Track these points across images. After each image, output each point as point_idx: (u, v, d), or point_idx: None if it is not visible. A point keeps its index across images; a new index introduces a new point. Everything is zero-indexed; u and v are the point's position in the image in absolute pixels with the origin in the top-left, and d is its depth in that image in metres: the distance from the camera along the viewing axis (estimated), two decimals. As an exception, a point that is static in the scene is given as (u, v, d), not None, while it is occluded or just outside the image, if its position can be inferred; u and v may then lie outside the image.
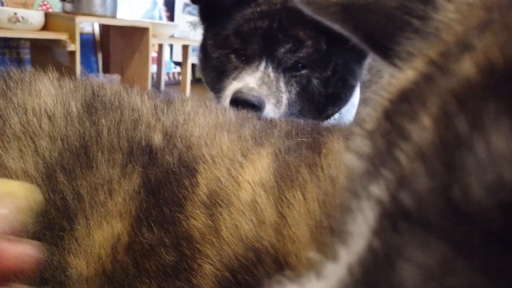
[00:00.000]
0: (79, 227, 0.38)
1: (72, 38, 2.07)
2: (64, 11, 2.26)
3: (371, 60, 0.91)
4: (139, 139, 0.44)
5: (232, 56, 0.82)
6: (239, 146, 0.43)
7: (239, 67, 0.81)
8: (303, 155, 0.38)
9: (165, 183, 0.40)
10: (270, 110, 0.75)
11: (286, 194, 0.34)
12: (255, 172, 0.38)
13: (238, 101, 0.73)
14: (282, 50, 0.77)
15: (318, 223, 0.32)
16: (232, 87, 0.77)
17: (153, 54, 2.95)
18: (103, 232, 0.38)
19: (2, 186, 0.23)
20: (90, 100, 0.48)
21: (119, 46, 2.69)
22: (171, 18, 3.57)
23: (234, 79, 0.80)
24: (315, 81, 0.79)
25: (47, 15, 2.20)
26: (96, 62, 2.82)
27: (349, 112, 0.88)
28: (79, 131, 0.44)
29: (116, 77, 2.53)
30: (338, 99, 0.84)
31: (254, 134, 0.45)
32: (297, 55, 0.77)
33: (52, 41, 2.11)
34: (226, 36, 0.83)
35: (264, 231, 0.34)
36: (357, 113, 0.90)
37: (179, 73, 3.47)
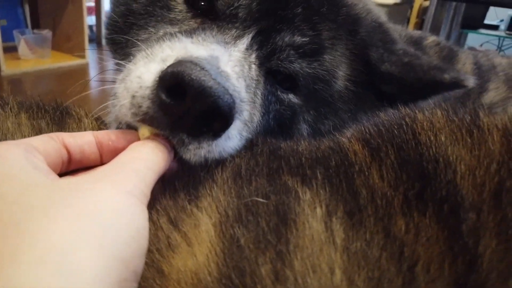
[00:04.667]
0: None
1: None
2: None
3: None
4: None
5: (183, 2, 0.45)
6: (165, 205, 0.30)
7: (193, 22, 0.44)
8: (262, 234, 0.25)
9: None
10: (239, 127, 0.38)
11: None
12: (189, 260, 0.25)
13: (181, 85, 0.31)
14: (287, 40, 0.43)
15: None
16: (176, 50, 0.37)
17: (89, 3, 2.60)
18: None
19: None
20: None
21: (48, -5, 2.32)
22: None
23: (183, 35, 0.40)
24: (303, 125, 0.47)
25: None
26: (23, 15, 2.43)
27: None
28: None
29: (47, 33, 2.19)
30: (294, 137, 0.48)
31: (187, 180, 0.32)
32: (300, 62, 0.44)
33: None
34: None
35: None
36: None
37: (124, 24, 3.11)
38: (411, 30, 0.79)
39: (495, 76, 0.72)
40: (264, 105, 0.44)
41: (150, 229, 0.26)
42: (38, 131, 0.33)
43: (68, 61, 2.21)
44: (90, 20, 2.65)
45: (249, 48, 0.42)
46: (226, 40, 0.41)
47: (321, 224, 0.25)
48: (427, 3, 2.39)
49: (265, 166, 0.34)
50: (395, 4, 2.50)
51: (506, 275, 0.19)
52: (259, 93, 0.43)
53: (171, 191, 0.31)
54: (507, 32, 2.66)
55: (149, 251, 0.26)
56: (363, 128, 0.34)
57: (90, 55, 2.27)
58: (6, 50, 1.97)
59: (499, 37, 2.80)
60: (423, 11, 2.59)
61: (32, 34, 2.17)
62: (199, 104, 0.31)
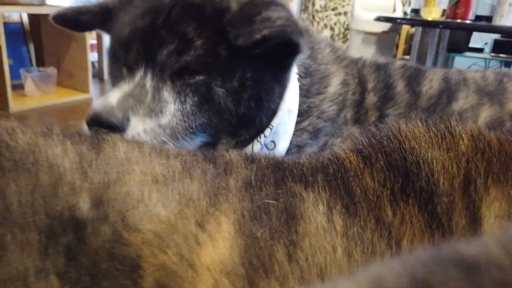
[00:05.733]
0: None
1: (-6, 31, 1.82)
2: None
3: (310, 60, 0.75)
4: (60, 210, 0.34)
5: (124, 69, 0.65)
6: (192, 211, 0.35)
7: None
8: (275, 227, 0.30)
9: (96, 276, 0.31)
10: (141, 123, 0.59)
11: (260, 289, 0.27)
12: (215, 253, 0.30)
13: (91, 125, 0.57)
14: (165, 51, 0.61)
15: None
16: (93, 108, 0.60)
17: (91, 41, 2.71)
18: None
19: None
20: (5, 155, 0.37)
21: (52, 35, 2.43)
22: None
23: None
24: (219, 91, 0.62)
25: None
26: (28, 54, 2.53)
27: (283, 124, 0.70)
28: None
29: (52, 70, 2.28)
30: (251, 123, 0.65)
31: (207, 188, 0.37)
32: (184, 58, 0.60)
33: None
34: (112, 47, 0.68)
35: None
36: (297, 123, 0.73)
37: (124, 60, 3.22)
38: (380, 57, 0.90)
39: (465, 87, 0.81)
40: (178, 95, 0.62)
41: (182, 231, 0.31)
42: (81, 156, 0.38)
43: (73, 96, 2.30)
44: (92, 56, 2.75)
45: (144, 75, 0.62)
46: (128, 81, 0.63)
47: (324, 217, 0.30)
48: (413, 30, 2.51)
49: (271, 176, 0.39)
50: (384, 32, 2.63)
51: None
52: (166, 93, 0.62)
53: (195, 200, 0.36)
54: (492, 54, 2.78)
55: (182, 248, 0.31)
56: (356, 141, 0.40)
57: (93, 90, 2.35)
58: (13, 87, 2.05)
59: (485, 59, 2.92)
60: (410, 37, 2.72)
61: (37, 72, 2.26)
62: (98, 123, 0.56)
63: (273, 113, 0.68)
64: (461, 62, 3.01)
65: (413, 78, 0.81)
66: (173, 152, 0.42)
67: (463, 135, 0.33)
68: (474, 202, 0.26)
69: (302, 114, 0.73)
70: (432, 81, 0.81)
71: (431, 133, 0.35)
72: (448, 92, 0.80)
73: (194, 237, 0.32)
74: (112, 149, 0.42)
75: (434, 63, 2.10)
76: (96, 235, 0.33)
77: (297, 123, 0.73)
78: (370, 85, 0.80)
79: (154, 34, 0.61)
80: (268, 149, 0.69)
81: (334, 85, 0.77)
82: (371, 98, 0.79)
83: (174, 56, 0.60)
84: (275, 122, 0.68)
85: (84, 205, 0.35)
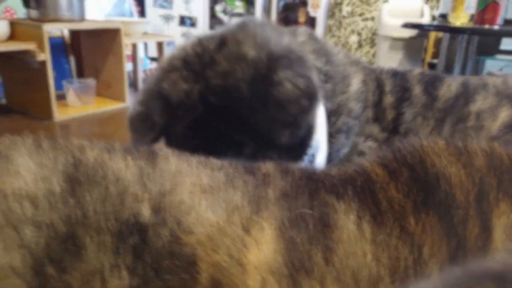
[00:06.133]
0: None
1: (41, 47, 1.96)
2: (30, 18, 2.13)
3: (328, 66, 0.74)
4: (127, 216, 0.40)
5: None
6: (238, 218, 0.40)
7: None
8: (311, 234, 0.35)
9: (160, 271, 0.37)
10: None
11: (302, 286, 0.32)
12: (260, 254, 0.35)
13: None
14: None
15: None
16: None
17: (127, 52, 2.84)
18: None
19: None
20: (72, 173, 0.44)
21: (91, 48, 2.58)
22: (142, 12, 3.43)
23: None
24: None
25: (12, 24, 2.07)
26: (69, 66, 2.70)
27: (319, 142, 0.71)
28: (64, 213, 0.40)
29: (91, 82, 2.42)
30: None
31: (249, 197, 0.42)
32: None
33: (20, 51, 1.99)
34: None
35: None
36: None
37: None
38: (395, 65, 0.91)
39: (484, 90, 0.81)
40: None
41: (231, 235, 0.37)
42: (140, 170, 0.44)
43: (110, 105, 2.42)
44: (127, 66, 2.89)
45: None
46: None
47: (354, 226, 0.35)
48: (441, 34, 2.49)
49: (306, 187, 0.44)
50: (411, 38, 2.61)
51: (484, 251, 0.29)
52: None
53: (239, 207, 0.42)
54: (525, 56, 2.71)
55: (231, 249, 0.36)
56: (382, 155, 0.44)
57: (129, 99, 2.47)
58: (56, 98, 2.20)
59: (518, 61, 2.85)
60: (439, 41, 2.69)
61: (78, 84, 2.40)
62: None
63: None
64: (492, 65, 2.95)
65: (430, 83, 0.82)
66: (216, 164, 0.48)
67: (478, 153, 0.37)
68: (486, 214, 0.30)
69: (334, 114, 0.76)
70: (450, 86, 0.82)
71: (450, 150, 0.39)
72: (465, 95, 0.80)
73: (241, 240, 0.38)
74: (165, 163, 0.48)
75: (463, 67, 2.08)
76: (157, 237, 0.38)
77: (332, 124, 0.75)
78: (388, 88, 0.82)
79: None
80: (310, 162, 0.72)
81: (355, 84, 0.79)
82: (388, 99, 0.81)
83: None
84: (313, 141, 0.71)
85: (145, 212, 0.40)
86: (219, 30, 0.67)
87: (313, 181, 0.44)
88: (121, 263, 0.38)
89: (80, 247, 0.38)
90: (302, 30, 0.79)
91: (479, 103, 0.80)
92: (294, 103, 0.59)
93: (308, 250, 0.34)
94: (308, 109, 0.60)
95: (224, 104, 0.63)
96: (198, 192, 0.42)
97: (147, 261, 0.38)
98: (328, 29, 3.49)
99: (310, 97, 0.60)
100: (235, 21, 0.69)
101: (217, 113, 0.63)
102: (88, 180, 0.42)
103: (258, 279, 0.34)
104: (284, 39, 0.66)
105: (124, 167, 0.44)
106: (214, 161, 0.47)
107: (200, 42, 0.65)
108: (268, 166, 0.48)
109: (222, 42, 0.63)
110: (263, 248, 0.36)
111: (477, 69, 2.63)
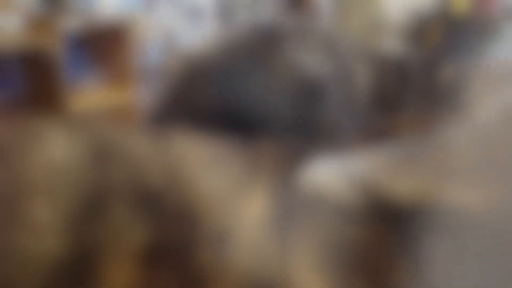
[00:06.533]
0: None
1: (54, 40, 1.99)
2: (44, 11, 2.15)
3: None
4: (146, 183, 0.45)
5: None
6: (233, 182, 0.44)
7: None
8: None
9: (171, 226, 0.42)
10: None
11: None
12: (252, 209, 0.40)
13: None
14: None
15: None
16: None
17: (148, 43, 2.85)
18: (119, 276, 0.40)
19: None
20: (99, 146, 0.49)
21: (105, 41, 2.62)
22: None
23: None
24: None
25: (25, 18, 2.10)
26: (84, 59, 2.74)
27: None
28: (93, 179, 0.46)
29: (105, 75, 2.47)
30: None
31: (245, 165, 0.46)
32: None
33: (33, 44, 2.02)
34: None
35: (269, 269, 0.36)
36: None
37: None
38: None
39: None
40: None
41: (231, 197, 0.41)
42: (155, 146, 0.49)
43: (125, 98, 2.44)
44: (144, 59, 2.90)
45: None
46: None
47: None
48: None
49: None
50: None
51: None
52: None
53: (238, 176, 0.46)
54: None
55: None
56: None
57: (143, 92, 2.50)
58: (71, 92, 2.23)
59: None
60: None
61: (93, 78, 2.43)
62: None
63: None
64: None
65: None
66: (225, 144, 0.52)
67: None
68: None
69: None
70: None
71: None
72: None
73: (237, 201, 0.42)
74: (175, 139, 0.53)
75: None
76: (170, 200, 0.43)
77: None
78: None
79: None
80: None
81: None
82: None
83: None
84: None
85: (159, 180, 0.45)
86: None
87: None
88: (138, 223, 0.43)
89: (107, 208, 0.44)
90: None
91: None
92: None
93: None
94: None
95: None
96: (205, 161, 0.47)
97: (160, 220, 0.43)
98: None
99: None
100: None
101: None
102: (110, 153, 0.48)
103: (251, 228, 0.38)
104: None
105: (141, 142, 0.49)
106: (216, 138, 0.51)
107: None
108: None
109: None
110: (255, 205, 0.40)
111: None
